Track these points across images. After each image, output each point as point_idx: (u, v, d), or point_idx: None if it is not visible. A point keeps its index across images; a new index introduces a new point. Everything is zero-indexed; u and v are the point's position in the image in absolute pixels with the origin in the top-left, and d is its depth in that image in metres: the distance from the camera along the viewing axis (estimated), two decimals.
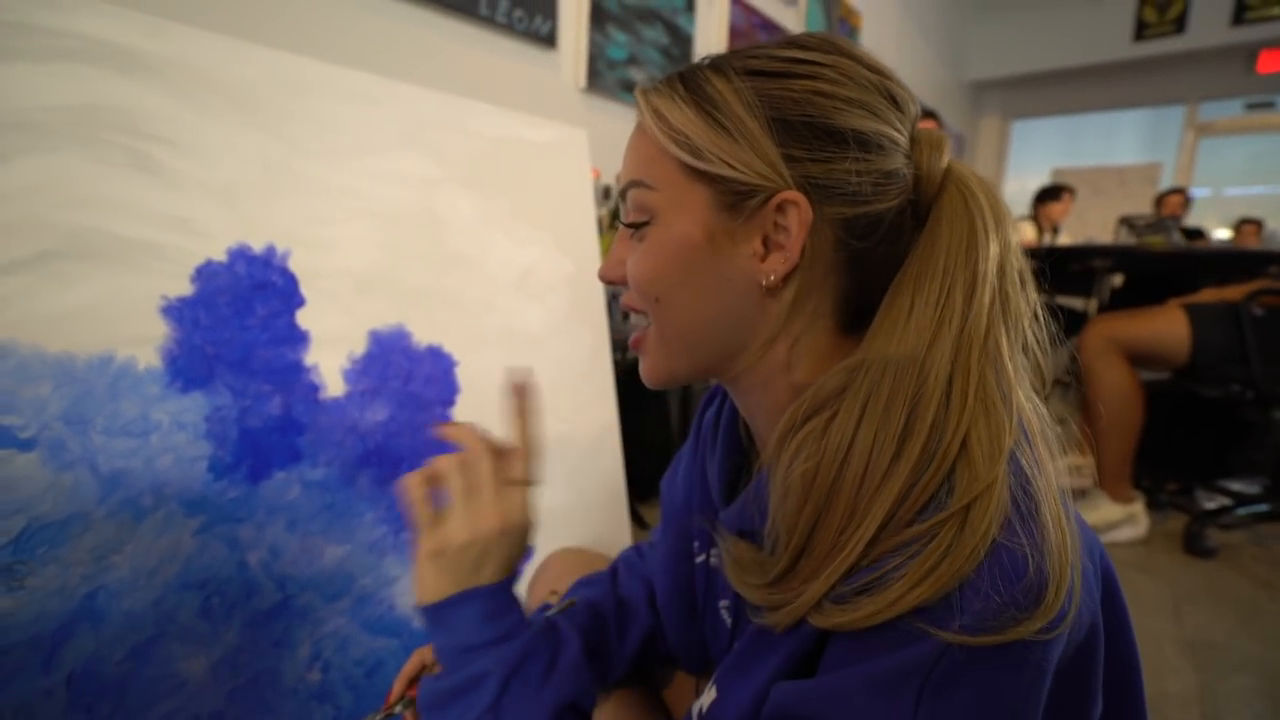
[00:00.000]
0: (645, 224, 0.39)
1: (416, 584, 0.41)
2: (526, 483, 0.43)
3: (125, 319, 0.60)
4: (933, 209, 0.37)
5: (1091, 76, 5.09)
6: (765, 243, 0.36)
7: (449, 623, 0.40)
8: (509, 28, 1.57)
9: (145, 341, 0.61)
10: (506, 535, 0.41)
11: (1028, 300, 0.36)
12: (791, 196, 0.35)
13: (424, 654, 0.57)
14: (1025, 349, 0.36)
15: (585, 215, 1.08)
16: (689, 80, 0.37)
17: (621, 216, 0.41)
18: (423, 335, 0.83)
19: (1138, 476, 2.00)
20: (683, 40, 2.14)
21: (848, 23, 3.14)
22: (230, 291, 0.67)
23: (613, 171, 1.81)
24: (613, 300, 1.20)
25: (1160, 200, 3.78)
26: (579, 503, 1.01)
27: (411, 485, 0.41)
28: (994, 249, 0.35)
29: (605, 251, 0.83)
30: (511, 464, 0.43)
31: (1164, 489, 1.93)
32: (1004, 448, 0.31)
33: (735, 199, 0.36)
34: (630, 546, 0.68)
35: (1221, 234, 4.05)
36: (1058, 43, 4.96)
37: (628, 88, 1.95)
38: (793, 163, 0.35)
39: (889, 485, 0.31)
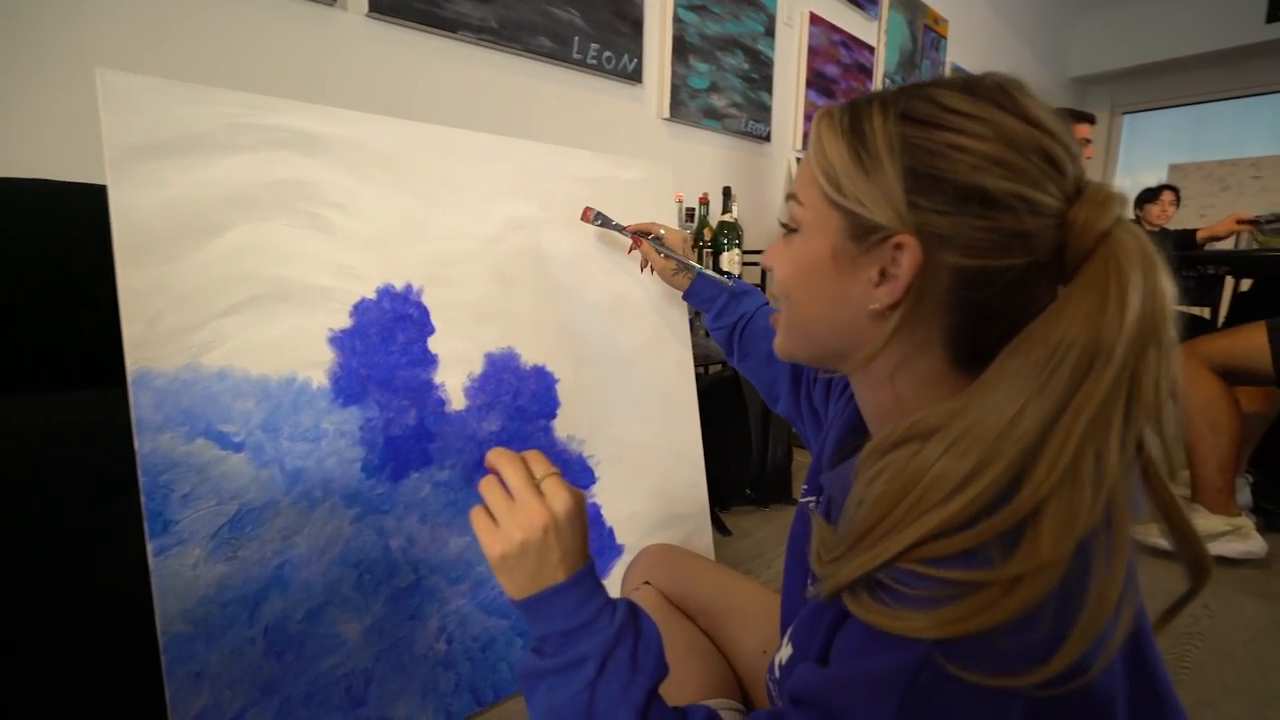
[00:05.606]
0: (794, 231, 0.44)
1: (503, 586, 0.46)
2: (554, 474, 0.47)
3: (304, 348, 0.75)
4: (1077, 272, 0.35)
5: (1216, 63, 4.67)
6: (882, 273, 0.39)
7: (542, 615, 0.45)
8: (599, 68, 1.71)
9: (317, 365, 0.76)
10: (556, 527, 0.44)
11: (1163, 389, 0.33)
12: (906, 241, 0.37)
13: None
14: (1158, 431, 0.34)
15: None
16: (855, 113, 0.40)
17: (780, 217, 0.47)
18: (530, 356, 0.95)
19: (1259, 499, 1.86)
20: (763, 64, 2.20)
21: (934, 31, 3.08)
22: (379, 324, 0.82)
23: (694, 195, 1.90)
24: (694, 319, 1.28)
25: None
26: (663, 508, 1.10)
27: (473, 513, 0.47)
28: (1130, 329, 0.32)
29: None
30: (535, 465, 0.47)
31: None
32: (1076, 531, 0.31)
33: (862, 231, 0.39)
34: None
35: None
36: (1176, 29, 4.59)
37: (709, 114, 2.04)
38: (915, 210, 0.37)
39: (932, 515, 0.33)
